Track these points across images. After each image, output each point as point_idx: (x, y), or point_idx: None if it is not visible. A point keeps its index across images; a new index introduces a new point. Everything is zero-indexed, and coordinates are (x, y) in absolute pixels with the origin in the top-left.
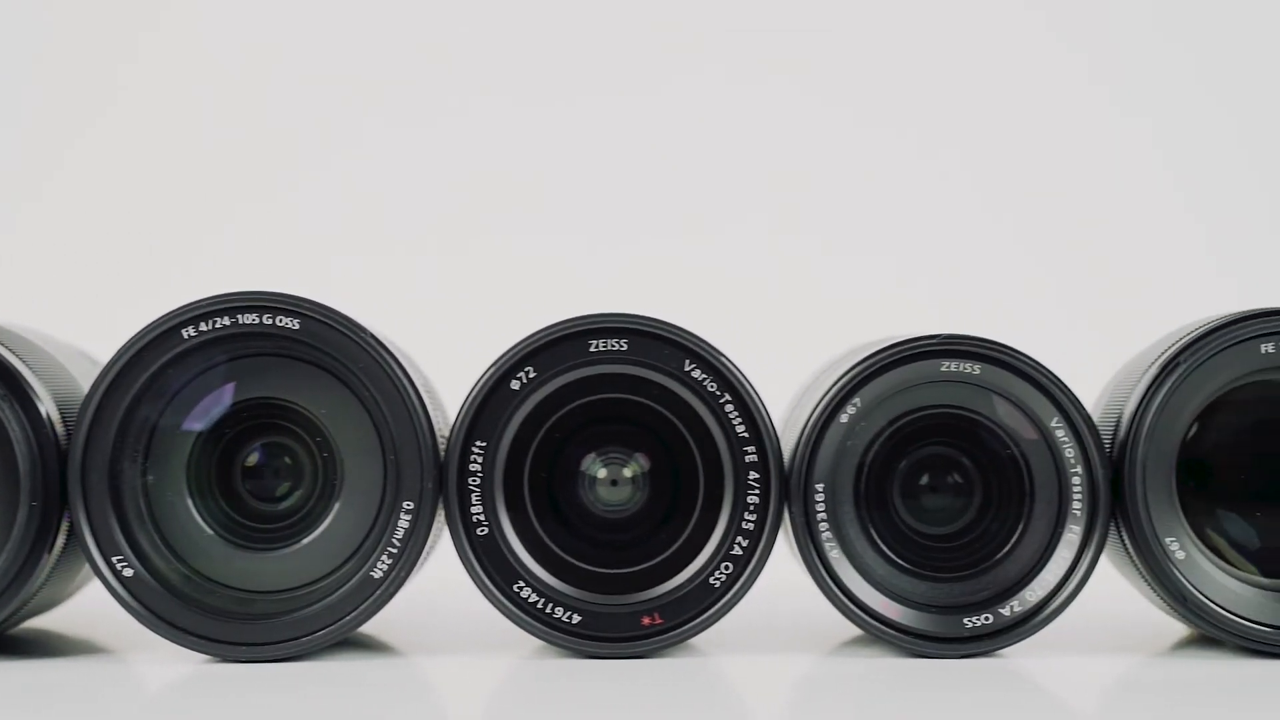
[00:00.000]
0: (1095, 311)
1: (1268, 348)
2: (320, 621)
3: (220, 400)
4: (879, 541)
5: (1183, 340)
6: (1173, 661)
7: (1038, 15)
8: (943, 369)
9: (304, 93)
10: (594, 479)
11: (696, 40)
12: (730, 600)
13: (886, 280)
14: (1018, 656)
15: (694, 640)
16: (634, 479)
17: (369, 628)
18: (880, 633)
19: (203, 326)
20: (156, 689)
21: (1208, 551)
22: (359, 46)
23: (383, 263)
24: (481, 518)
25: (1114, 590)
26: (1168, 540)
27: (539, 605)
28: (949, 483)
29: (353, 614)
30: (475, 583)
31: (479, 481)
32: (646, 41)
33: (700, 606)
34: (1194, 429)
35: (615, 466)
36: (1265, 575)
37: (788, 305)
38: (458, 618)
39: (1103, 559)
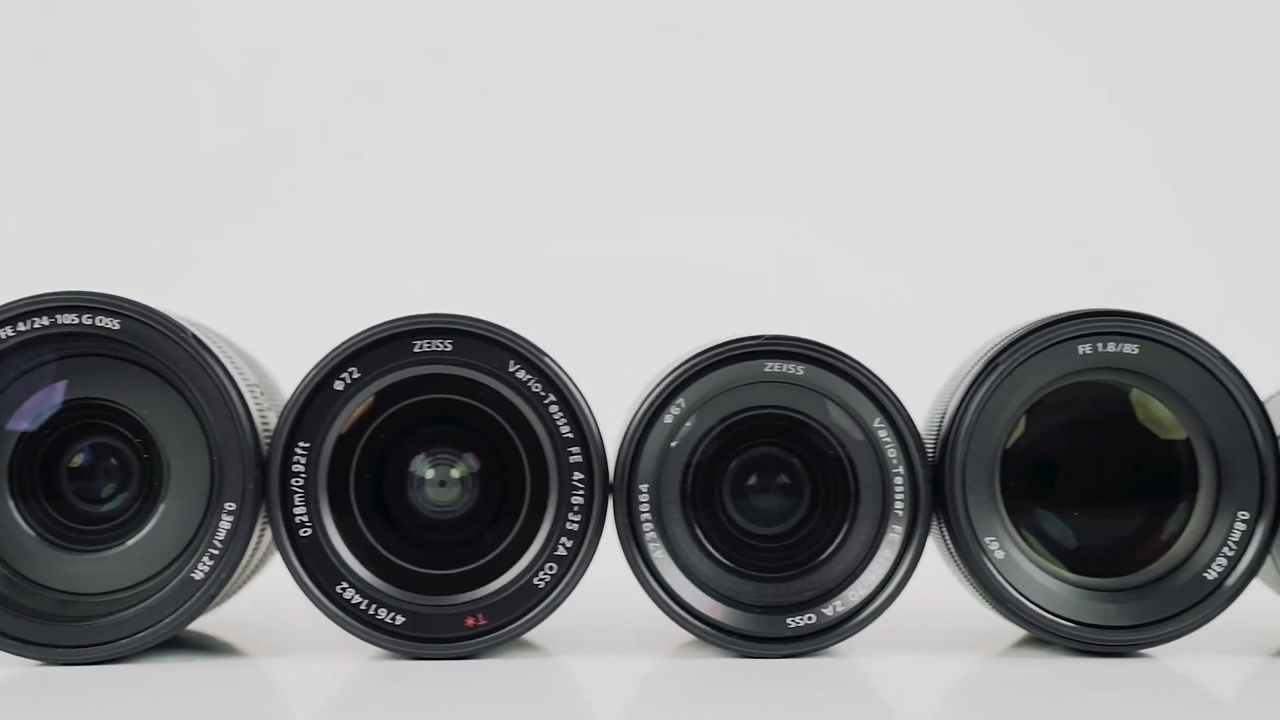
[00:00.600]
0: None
1: (1084, 349)
2: (140, 624)
3: (50, 400)
4: (705, 542)
5: (1002, 342)
6: (1004, 661)
7: (1037, 15)
8: (767, 369)
9: (304, 93)
10: (422, 480)
11: (697, 40)
12: (554, 601)
13: (886, 279)
14: (856, 656)
15: (536, 642)
16: (462, 479)
17: (205, 629)
18: (702, 633)
19: (20, 327)
20: None
21: (1029, 550)
22: (359, 47)
23: (382, 263)
24: (305, 519)
25: (954, 590)
26: (987, 540)
27: (361, 606)
28: (778, 483)
29: (173, 616)
30: (298, 584)
31: (302, 483)
32: (647, 42)
33: (524, 607)
34: (1016, 429)
35: (443, 467)
36: (1079, 574)
37: (787, 304)
38: (298, 619)
39: (937, 559)
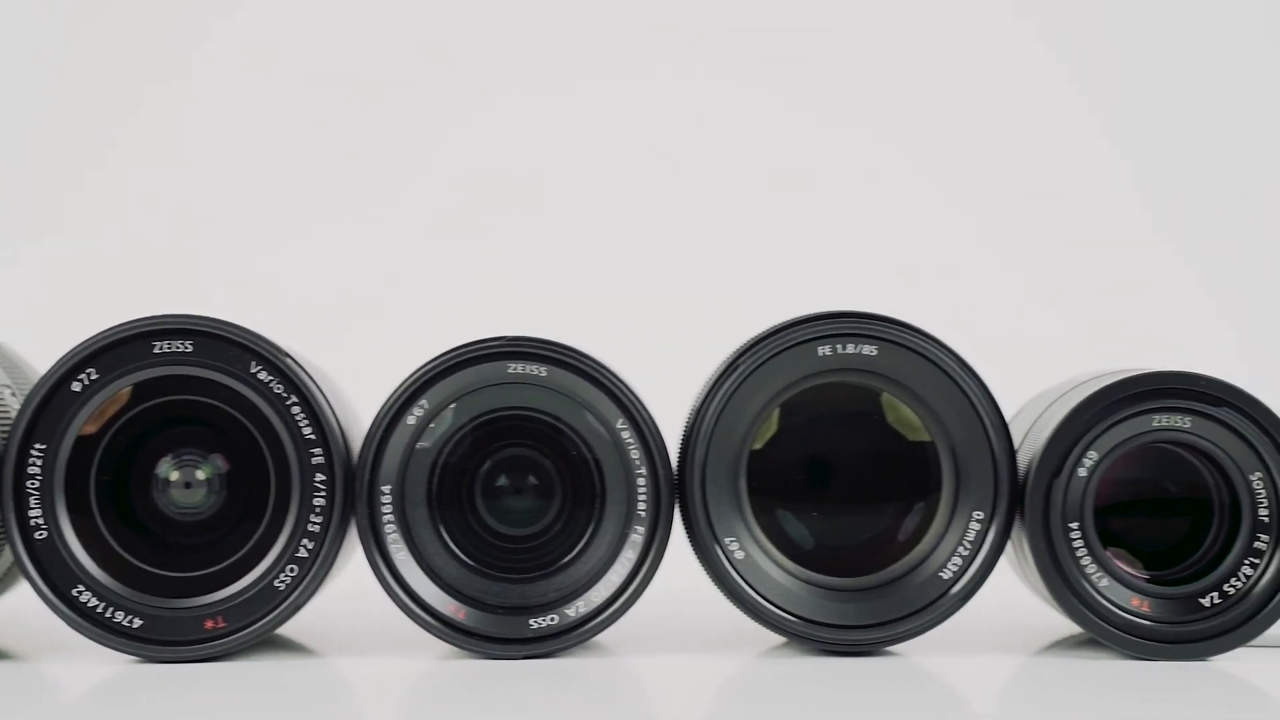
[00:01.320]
0: (1092, 314)
1: (824, 350)
2: None
3: None
4: (452, 543)
5: (744, 344)
6: (766, 661)
7: (1036, 18)
8: (510, 370)
9: (304, 93)
10: (167, 481)
11: (696, 40)
12: (294, 602)
13: (887, 279)
14: (627, 656)
15: (309, 645)
16: (208, 481)
17: None
18: (441, 633)
19: None
20: None
21: (772, 550)
22: (359, 46)
23: (383, 264)
24: (40, 521)
25: None
26: (727, 540)
27: (98, 609)
28: (529, 484)
29: None
30: (32, 587)
31: (38, 484)
32: (647, 42)
33: (264, 609)
34: (767, 430)
35: (189, 469)
36: (823, 574)
37: (787, 305)
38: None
39: None
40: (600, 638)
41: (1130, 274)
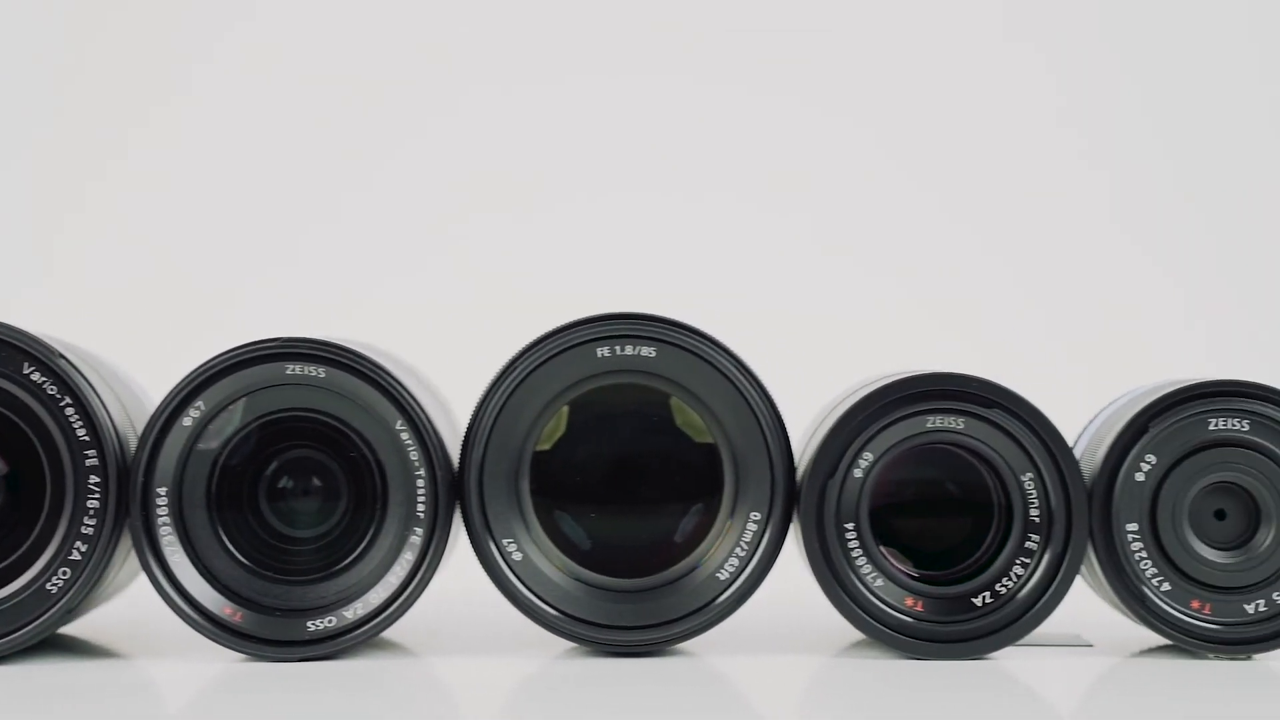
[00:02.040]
0: (1092, 314)
1: (603, 351)
2: None
3: None
4: (231, 545)
5: (524, 345)
6: (563, 662)
7: (1036, 18)
8: (288, 372)
9: (304, 93)
10: None
11: (696, 40)
12: (66, 606)
13: (886, 279)
14: (425, 656)
15: (104, 646)
16: None
17: None
18: (215, 636)
19: None
20: None
21: (553, 551)
22: (359, 46)
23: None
24: None
25: None
26: (505, 541)
27: None
28: (314, 486)
29: None
30: None
31: None
32: (647, 42)
33: (36, 613)
34: (556, 430)
35: None
36: (605, 575)
37: (786, 306)
38: None
39: None
40: (399, 640)
41: (1130, 273)
